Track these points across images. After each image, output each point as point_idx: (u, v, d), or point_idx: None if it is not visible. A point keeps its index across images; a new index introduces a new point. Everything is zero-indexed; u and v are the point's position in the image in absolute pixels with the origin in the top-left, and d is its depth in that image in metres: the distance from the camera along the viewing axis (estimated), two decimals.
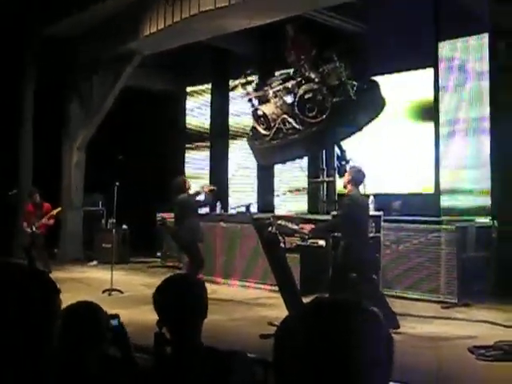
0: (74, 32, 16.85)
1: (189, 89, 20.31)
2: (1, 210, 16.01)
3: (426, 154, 14.00)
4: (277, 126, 12.08)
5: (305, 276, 11.40)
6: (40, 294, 1.72)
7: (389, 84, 13.93)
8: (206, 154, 19.73)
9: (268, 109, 12.37)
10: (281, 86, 12.29)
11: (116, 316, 3.42)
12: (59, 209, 14.63)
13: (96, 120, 17.30)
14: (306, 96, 11.55)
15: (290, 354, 1.36)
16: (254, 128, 13.09)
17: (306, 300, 8.15)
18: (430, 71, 14.02)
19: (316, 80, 12.00)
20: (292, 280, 8.76)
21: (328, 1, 12.58)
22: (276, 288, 9.58)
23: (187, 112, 20.45)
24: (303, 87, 11.85)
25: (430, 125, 14.05)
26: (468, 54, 13.43)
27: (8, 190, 15.92)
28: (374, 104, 12.36)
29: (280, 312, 8.66)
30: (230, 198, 17.88)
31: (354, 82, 12.11)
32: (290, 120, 11.93)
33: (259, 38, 16.21)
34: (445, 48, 13.77)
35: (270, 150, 12.50)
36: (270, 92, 12.40)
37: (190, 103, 20.45)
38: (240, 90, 13.20)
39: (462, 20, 12.59)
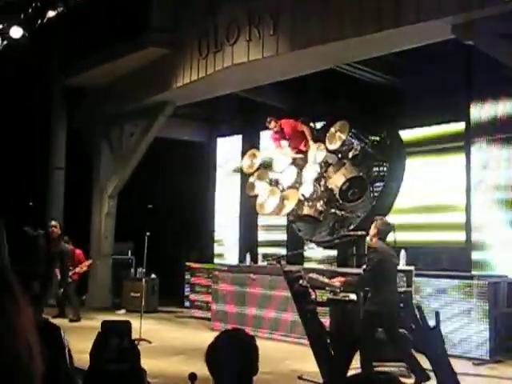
0: (106, 81, 17.18)
1: (220, 140, 20.11)
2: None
3: (457, 204, 13.90)
4: (329, 223, 12.06)
5: (335, 330, 11.29)
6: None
7: (420, 138, 14.00)
8: (236, 208, 19.42)
9: (308, 211, 12.24)
10: (311, 190, 12.12)
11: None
12: (90, 261, 14.93)
13: (128, 169, 17.39)
14: (344, 187, 11.56)
15: None
16: (302, 227, 12.96)
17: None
18: (462, 124, 13.94)
19: (334, 162, 11.98)
20: (322, 334, 8.70)
21: (359, 55, 12.65)
22: (304, 340, 9.53)
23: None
24: (332, 178, 11.83)
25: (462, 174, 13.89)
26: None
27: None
28: (400, 157, 12.28)
29: (310, 366, 8.61)
30: (259, 249, 17.69)
31: (370, 140, 12.09)
32: (340, 212, 11.89)
33: (290, 90, 16.21)
34: (477, 107, 13.61)
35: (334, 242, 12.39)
36: (301, 197, 12.25)
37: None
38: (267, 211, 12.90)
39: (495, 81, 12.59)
